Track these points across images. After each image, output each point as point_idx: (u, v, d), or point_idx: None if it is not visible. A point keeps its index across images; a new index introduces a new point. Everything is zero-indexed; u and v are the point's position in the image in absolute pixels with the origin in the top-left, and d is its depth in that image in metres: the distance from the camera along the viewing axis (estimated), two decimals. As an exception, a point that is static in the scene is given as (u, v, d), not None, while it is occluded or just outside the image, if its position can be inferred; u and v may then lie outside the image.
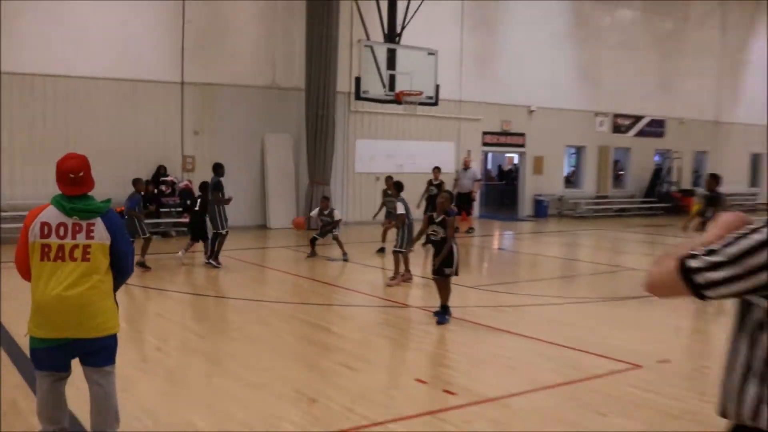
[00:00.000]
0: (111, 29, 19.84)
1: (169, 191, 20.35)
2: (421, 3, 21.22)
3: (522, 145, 28.90)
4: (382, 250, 16.66)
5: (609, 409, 6.51)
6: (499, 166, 36.65)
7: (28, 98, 19.04)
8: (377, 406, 6.49)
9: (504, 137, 28.29)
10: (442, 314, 9.69)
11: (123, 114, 20.19)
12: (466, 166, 22.70)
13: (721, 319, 10.78)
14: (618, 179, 33.17)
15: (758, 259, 2.23)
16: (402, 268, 12.87)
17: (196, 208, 14.61)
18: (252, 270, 14.81)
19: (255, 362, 7.88)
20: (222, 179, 15.09)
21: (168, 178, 20.55)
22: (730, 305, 2.47)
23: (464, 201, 22.53)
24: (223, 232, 14.50)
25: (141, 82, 20.46)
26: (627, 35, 31.73)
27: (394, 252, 12.87)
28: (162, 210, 19.94)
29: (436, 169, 19.55)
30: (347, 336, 9.34)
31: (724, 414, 2.57)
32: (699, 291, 2.36)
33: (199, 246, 14.77)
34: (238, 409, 6.38)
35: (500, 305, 11.43)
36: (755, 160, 38.70)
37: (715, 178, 12.23)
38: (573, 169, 32.71)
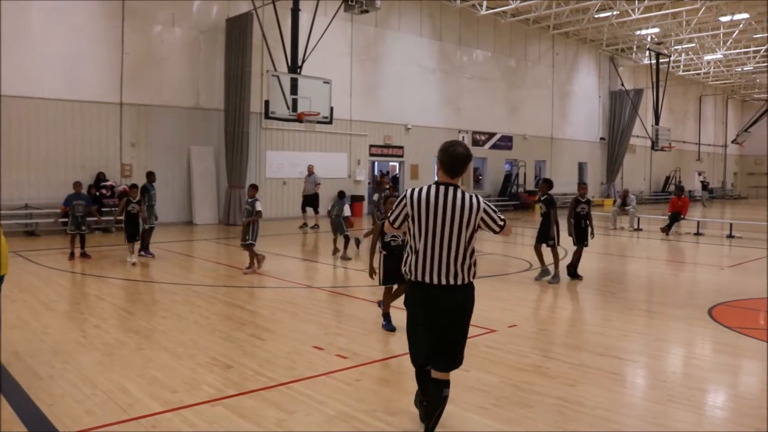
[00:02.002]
0: (61, 61, 19.10)
1: (108, 194, 19.59)
2: (318, 41, 21.06)
3: (401, 156, 29.14)
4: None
5: (471, 366, 6.51)
6: (387, 172, 36.78)
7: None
8: (282, 369, 6.30)
9: (386, 149, 28.47)
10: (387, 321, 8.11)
11: (70, 129, 19.39)
12: (310, 172, 21.36)
13: (557, 290, 11.06)
14: (478, 182, 33.87)
15: None
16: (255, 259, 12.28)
17: (129, 212, 13.62)
18: (179, 259, 14.28)
19: (180, 336, 7.56)
20: (154, 185, 14.84)
21: (107, 183, 19.77)
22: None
23: (309, 202, 21.22)
24: (147, 227, 14.19)
25: (86, 102, 19.64)
26: (481, 70, 32.49)
27: (245, 245, 12.20)
28: (103, 210, 19.17)
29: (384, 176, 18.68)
30: (257, 312, 9.09)
31: None
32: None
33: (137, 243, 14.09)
34: (165, 375, 6.06)
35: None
36: (581, 167, 40.30)
37: (547, 183, 12.13)
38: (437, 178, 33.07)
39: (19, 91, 18.41)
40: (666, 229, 20.57)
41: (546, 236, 11.60)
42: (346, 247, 14.68)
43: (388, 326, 7.91)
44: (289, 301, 9.87)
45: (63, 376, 6.05)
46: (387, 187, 20.87)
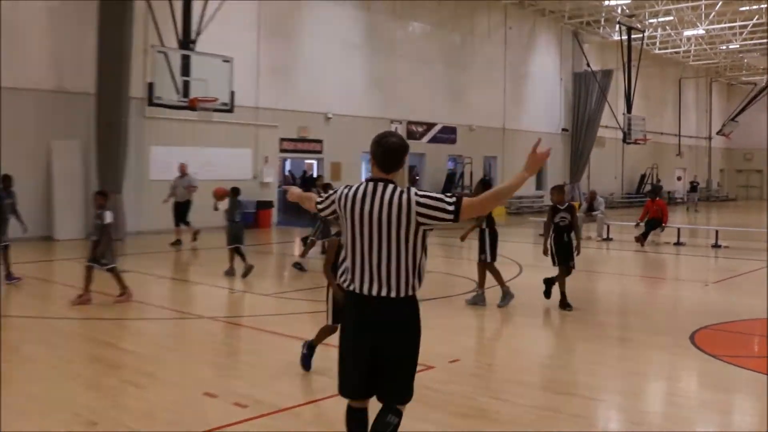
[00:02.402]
0: None
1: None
2: (217, 9, 20.81)
3: (320, 152, 29.07)
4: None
5: (406, 410, 6.45)
6: (304, 172, 36.70)
7: None
8: (164, 423, 6.10)
9: (302, 144, 28.39)
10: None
11: None
12: (182, 173, 20.65)
13: (508, 315, 11.12)
14: (414, 184, 33.99)
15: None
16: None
17: None
18: (33, 285, 13.78)
19: (30, 387, 7.23)
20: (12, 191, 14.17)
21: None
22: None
23: (181, 210, 20.46)
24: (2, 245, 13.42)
25: None
26: (418, 47, 32.76)
27: (108, 269, 11.52)
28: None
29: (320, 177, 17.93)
30: (135, 351, 8.82)
31: None
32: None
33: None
34: (8, 436, 5.81)
35: (295, 312, 11.24)
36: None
37: (483, 184, 12.12)
38: (370, 174, 33.15)
39: None
40: (641, 239, 21.06)
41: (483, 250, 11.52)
42: (245, 260, 14.54)
43: (306, 360, 7.67)
44: (176, 336, 9.72)
45: None
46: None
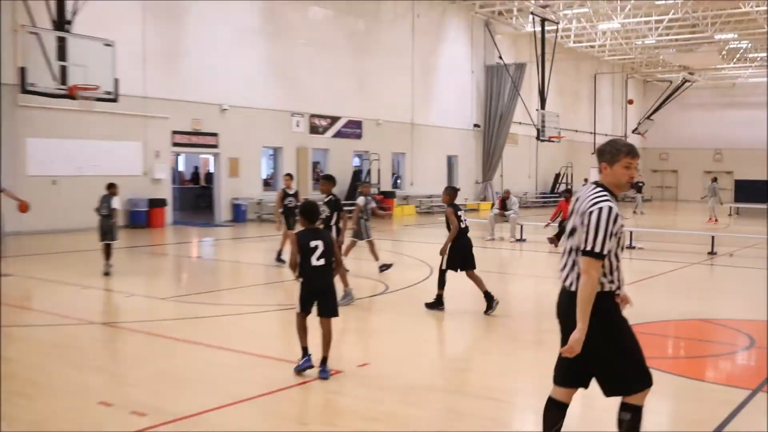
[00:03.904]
0: None
1: None
2: (97, -12, 20.53)
3: (215, 146, 28.83)
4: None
5: (310, 418, 6.56)
6: (196, 168, 36.38)
7: None
8: (54, 436, 6.09)
9: (196, 137, 28.09)
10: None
11: None
12: None
13: (420, 317, 11.34)
14: (318, 181, 34.04)
15: None
16: None
17: None
18: None
19: None
20: None
21: None
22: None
23: None
24: None
25: None
26: (320, 33, 32.80)
27: None
28: None
29: (288, 176, 17.79)
30: (19, 360, 8.68)
31: None
32: None
33: None
34: None
35: (195, 317, 11.23)
36: (451, 162, 41.64)
37: (329, 180, 12.92)
38: (272, 171, 33.15)
39: None
40: (555, 239, 21.62)
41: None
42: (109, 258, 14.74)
43: (323, 373, 7.72)
44: (64, 343, 9.56)
45: None
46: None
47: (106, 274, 14.92)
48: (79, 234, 20.72)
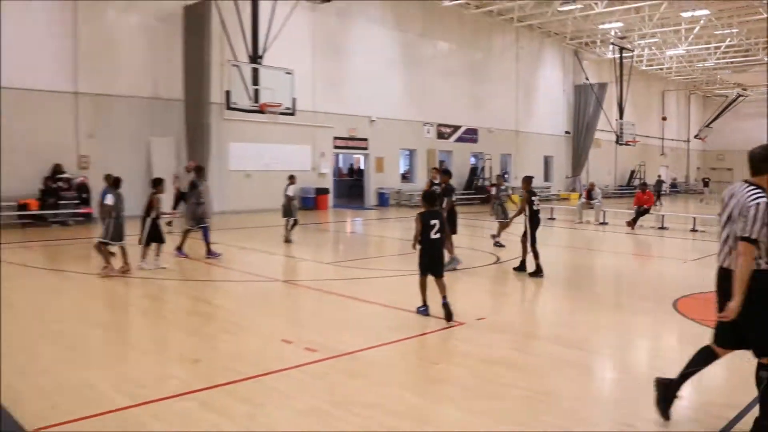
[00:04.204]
0: (12, 48, 18.58)
1: (66, 186, 19.29)
2: (280, 30, 20.98)
3: (366, 148, 29.19)
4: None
5: (440, 359, 6.62)
6: (351, 164, 36.88)
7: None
8: (250, 363, 6.30)
9: (351, 141, 28.50)
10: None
11: (20, 118, 18.91)
12: (189, 169, 17.97)
13: (525, 284, 11.24)
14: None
15: None
16: (118, 260, 11.24)
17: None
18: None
19: (146, 331, 7.55)
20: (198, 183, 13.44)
21: (64, 175, 19.46)
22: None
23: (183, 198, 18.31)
24: (192, 227, 13.16)
25: (39, 91, 19.29)
26: (445, 62, 32.71)
27: (102, 244, 11.09)
28: (60, 203, 18.96)
29: (435, 170, 16.45)
30: (224, 306, 9.07)
31: None
32: None
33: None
34: (131, 370, 6.06)
35: (351, 277, 11.45)
36: (547, 161, 40.89)
37: (445, 173, 13.01)
38: (408, 167, 33.30)
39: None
40: (632, 223, 20.98)
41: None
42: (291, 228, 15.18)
43: (424, 310, 8.27)
44: (256, 295, 9.88)
45: (28, 371, 6.00)
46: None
47: (287, 241, 15.39)
48: (265, 213, 21.38)
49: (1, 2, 17.98)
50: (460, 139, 33.95)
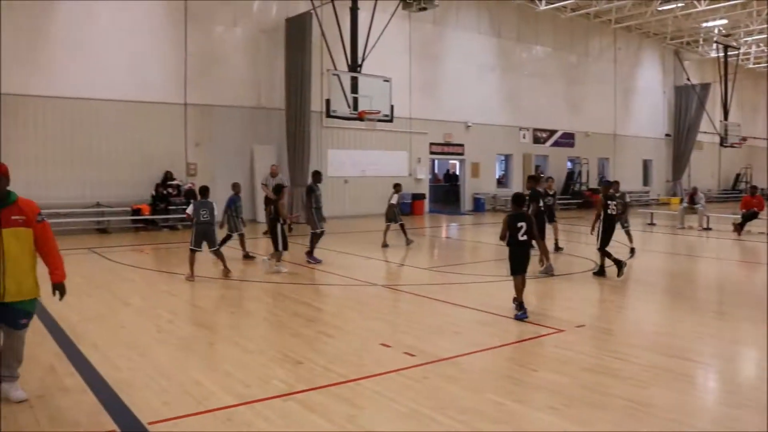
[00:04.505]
0: (127, 63, 19.74)
1: (175, 192, 20.13)
2: (378, 40, 21.16)
3: (462, 154, 29.05)
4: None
5: (539, 366, 6.47)
6: (447, 170, 36.79)
7: (60, 116, 18.77)
8: (350, 366, 6.37)
9: (447, 147, 28.44)
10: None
11: (136, 129, 19.99)
12: (274, 174, 18.68)
13: (624, 290, 10.87)
14: (539, 181, 33.37)
15: None
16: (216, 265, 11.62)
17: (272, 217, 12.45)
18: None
19: (250, 332, 7.73)
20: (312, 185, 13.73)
21: (174, 182, 20.32)
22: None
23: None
24: (317, 231, 13.35)
25: (152, 103, 20.25)
26: (541, 66, 32.17)
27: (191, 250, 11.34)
28: (170, 208, 19.81)
29: (550, 179, 16.53)
30: (324, 309, 9.22)
31: None
32: None
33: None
34: (237, 370, 6.22)
35: (448, 282, 11.39)
36: (646, 164, 39.46)
37: (531, 179, 13.03)
38: (503, 172, 32.91)
39: (89, 93, 19.10)
40: (738, 228, 19.94)
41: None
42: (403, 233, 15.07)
43: (522, 315, 8.29)
44: (355, 298, 9.97)
45: (140, 368, 6.28)
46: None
47: (385, 245, 15.62)
48: (363, 219, 21.57)
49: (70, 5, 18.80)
50: (556, 144, 33.26)
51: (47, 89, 18.46)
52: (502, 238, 8.54)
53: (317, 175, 13.92)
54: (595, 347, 7.16)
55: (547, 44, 32.46)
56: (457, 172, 32.09)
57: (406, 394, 5.57)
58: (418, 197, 26.58)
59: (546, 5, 30.47)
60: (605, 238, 11.33)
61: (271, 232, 12.25)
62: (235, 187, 13.98)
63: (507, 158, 31.98)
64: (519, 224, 8.40)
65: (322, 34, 21.21)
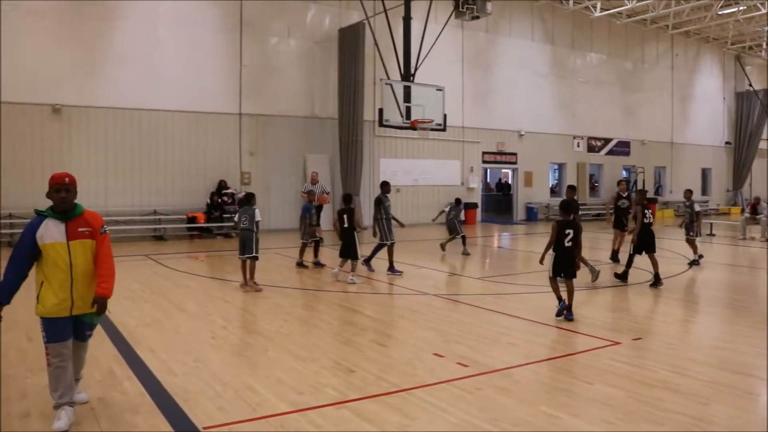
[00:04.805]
0: (185, 75, 20.22)
1: (229, 201, 20.46)
2: (431, 49, 21.18)
3: (514, 163, 28.82)
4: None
5: (594, 379, 6.34)
6: (498, 179, 36.52)
7: (120, 127, 19.35)
8: (403, 375, 6.35)
9: (499, 156, 28.24)
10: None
11: (192, 139, 20.44)
12: (314, 181, 18.09)
13: (683, 302, 10.60)
14: (593, 189, 32.96)
15: None
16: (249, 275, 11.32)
17: (345, 226, 12.28)
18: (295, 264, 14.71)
19: (303, 339, 7.78)
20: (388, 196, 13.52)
21: (228, 190, 20.67)
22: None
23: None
24: (388, 243, 13.16)
25: (208, 113, 20.67)
26: (595, 73, 31.71)
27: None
28: (224, 216, 20.14)
29: (623, 182, 16.56)
30: (377, 318, 9.21)
31: None
32: None
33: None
34: (290, 377, 6.26)
35: (501, 293, 11.27)
36: (705, 173, 38.43)
37: (571, 189, 13.31)
38: (556, 181, 32.50)
39: (148, 104, 19.65)
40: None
41: None
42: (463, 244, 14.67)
43: (569, 316, 8.83)
44: (407, 307, 9.94)
45: (196, 373, 6.38)
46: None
47: (443, 247, 16.14)
48: (415, 228, 21.54)
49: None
50: (611, 152, 32.69)
51: (109, 101, 19.06)
52: (551, 244, 8.96)
53: (386, 186, 13.64)
54: (653, 361, 6.97)
55: (601, 51, 32.00)
56: (510, 181, 31.81)
57: (458, 405, 5.52)
58: (470, 206, 26.42)
59: (601, 12, 30.05)
60: (639, 245, 11.71)
61: (346, 242, 12.16)
62: (311, 195, 14.29)
63: (560, 167, 31.58)
64: (566, 231, 8.85)
65: (375, 43, 21.33)
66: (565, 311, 8.86)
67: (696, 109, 37.35)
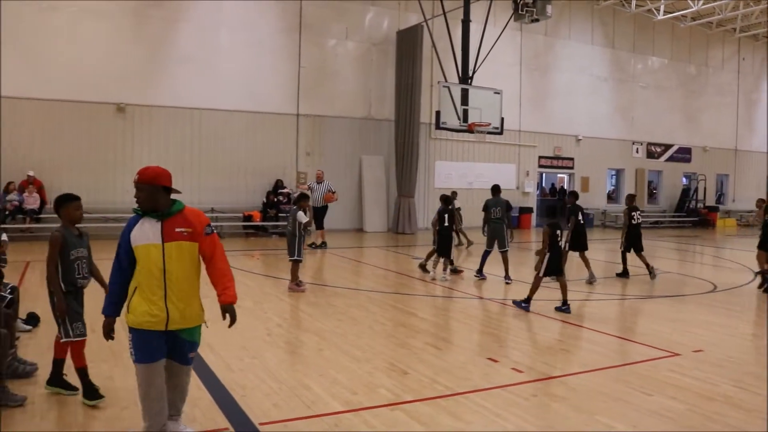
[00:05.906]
0: (244, 75, 20.54)
1: (285, 200, 20.70)
2: (489, 52, 21.05)
3: (571, 168, 28.41)
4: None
5: (653, 390, 6.18)
6: (552, 184, 36.05)
7: (182, 126, 19.79)
8: (457, 379, 6.31)
9: (556, 161, 27.87)
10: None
11: (252, 139, 20.78)
12: (320, 179, 18.20)
13: (744, 315, 10.28)
14: (652, 196, 32.22)
15: None
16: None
17: (446, 224, 12.41)
18: (352, 264, 14.78)
19: (357, 340, 7.80)
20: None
21: (284, 190, 20.91)
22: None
23: (318, 215, 17.44)
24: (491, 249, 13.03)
25: (266, 114, 20.97)
26: (656, 78, 31.03)
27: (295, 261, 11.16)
28: (279, 215, 20.38)
29: (760, 201, 14.82)
30: (431, 320, 9.18)
31: None
32: None
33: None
34: (344, 376, 6.29)
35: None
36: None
37: (573, 195, 13.60)
38: (614, 187, 31.90)
39: (209, 104, 20.06)
40: None
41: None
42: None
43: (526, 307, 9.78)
44: (462, 311, 9.90)
45: (252, 370, 6.46)
46: None
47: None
48: (468, 231, 21.34)
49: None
50: (671, 159, 31.92)
51: (170, 100, 19.53)
52: (543, 247, 9.59)
53: (451, 195, 14.74)
54: (715, 374, 6.76)
55: (663, 55, 31.28)
56: (564, 186, 31.33)
57: (513, 411, 5.46)
58: (525, 211, 26.17)
59: (664, 15, 29.39)
60: (629, 245, 13.16)
61: (443, 242, 12.49)
62: (304, 201, 11.51)
63: (618, 173, 30.99)
64: (557, 232, 9.67)
65: (433, 46, 21.31)
66: (525, 304, 9.78)
67: (763, 115, 36.15)
